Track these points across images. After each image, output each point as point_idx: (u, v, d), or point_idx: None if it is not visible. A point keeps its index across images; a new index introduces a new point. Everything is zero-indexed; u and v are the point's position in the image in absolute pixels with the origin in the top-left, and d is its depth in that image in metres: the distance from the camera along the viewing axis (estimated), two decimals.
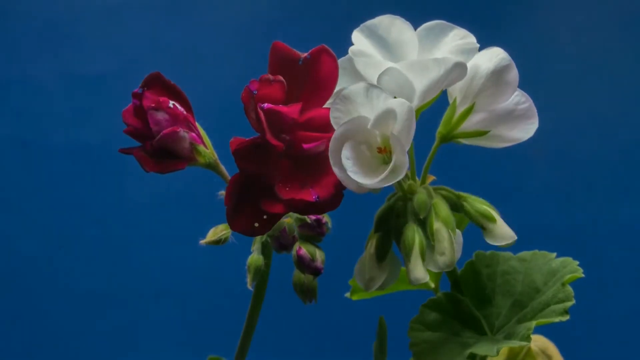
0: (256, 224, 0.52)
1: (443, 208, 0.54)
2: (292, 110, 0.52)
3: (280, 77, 0.53)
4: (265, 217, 0.52)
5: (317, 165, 0.52)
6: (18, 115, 1.39)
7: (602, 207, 1.32)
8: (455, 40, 0.53)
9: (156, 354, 1.34)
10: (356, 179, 0.49)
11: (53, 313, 1.35)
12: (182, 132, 0.55)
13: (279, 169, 0.52)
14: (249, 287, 0.59)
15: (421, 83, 0.51)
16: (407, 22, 0.54)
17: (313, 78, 0.54)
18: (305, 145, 0.52)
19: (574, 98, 1.35)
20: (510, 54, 0.55)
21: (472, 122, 0.55)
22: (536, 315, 0.57)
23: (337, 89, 0.54)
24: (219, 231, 0.58)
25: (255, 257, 0.59)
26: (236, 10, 1.42)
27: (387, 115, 0.50)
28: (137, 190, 1.34)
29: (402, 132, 0.49)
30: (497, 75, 0.54)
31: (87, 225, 1.37)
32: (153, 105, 0.56)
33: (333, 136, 0.50)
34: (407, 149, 0.49)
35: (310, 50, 0.54)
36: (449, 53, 0.53)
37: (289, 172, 0.52)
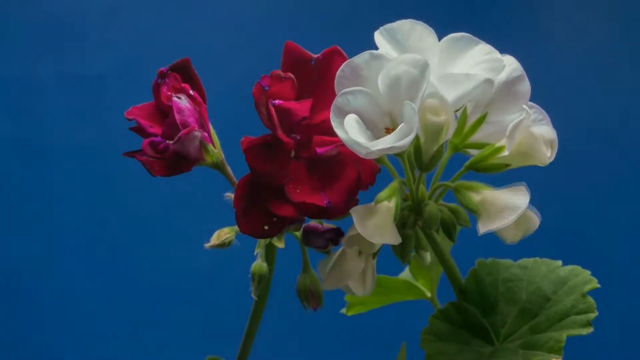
0: (266, 227, 0.51)
1: (475, 183, 0.53)
2: (302, 107, 0.52)
3: (291, 75, 0.53)
4: (274, 219, 0.51)
5: (329, 169, 0.52)
6: (18, 115, 1.39)
7: (601, 208, 1.32)
8: (480, 56, 0.53)
9: (157, 354, 1.34)
10: (362, 142, 0.48)
11: (53, 313, 1.35)
12: (196, 132, 0.55)
13: (289, 170, 0.52)
14: (253, 296, 0.59)
15: (450, 96, 0.50)
16: (430, 29, 0.53)
17: (325, 79, 0.54)
18: (319, 150, 0.51)
19: (574, 98, 1.35)
20: (510, 54, 0.55)
21: (484, 134, 0.54)
22: (553, 325, 0.56)
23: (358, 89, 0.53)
24: (224, 234, 0.57)
25: (258, 264, 0.58)
26: (237, 9, 1.42)
27: (395, 84, 0.50)
28: (138, 190, 1.34)
29: (414, 98, 0.49)
30: (509, 85, 0.53)
31: (87, 225, 1.36)
32: (175, 92, 0.55)
33: (334, 103, 0.50)
34: (416, 107, 0.48)
35: (322, 51, 0.54)
36: (476, 68, 0.52)
37: (300, 174, 0.52)
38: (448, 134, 0.51)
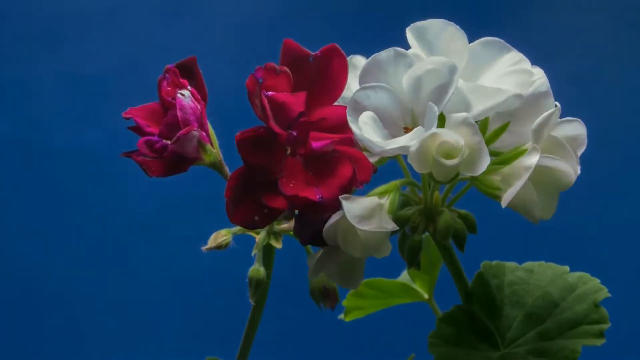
0: (256, 217, 0.51)
1: (492, 166, 0.52)
2: (297, 101, 0.52)
3: (286, 69, 0.53)
4: (265, 210, 0.51)
5: (324, 165, 0.52)
6: (18, 115, 1.39)
7: (601, 210, 1.32)
8: (509, 65, 0.52)
9: (157, 355, 1.34)
10: (375, 140, 0.48)
11: (53, 313, 1.35)
12: (194, 131, 0.55)
13: (284, 164, 0.52)
14: (251, 301, 0.58)
15: (477, 107, 0.50)
16: (461, 31, 0.52)
17: (323, 76, 0.54)
18: (314, 144, 0.51)
19: (573, 98, 1.34)
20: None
21: (504, 143, 0.53)
22: (564, 333, 0.56)
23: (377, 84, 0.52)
24: (220, 237, 0.57)
25: (256, 269, 0.58)
26: (236, 9, 1.42)
27: (421, 85, 0.49)
28: (138, 190, 1.34)
29: (439, 101, 0.48)
30: (534, 99, 0.52)
31: (87, 225, 1.36)
32: (174, 87, 0.55)
33: (352, 97, 0.49)
34: (438, 112, 0.47)
35: (321, 49, 0.54)
36: (505, 78, 0.52)
37: (295, 170, 0.52)
38: (476, 168, 0.48)
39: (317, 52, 0.54)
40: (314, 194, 0.50)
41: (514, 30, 1.36)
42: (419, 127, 0.48)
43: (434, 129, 0.47)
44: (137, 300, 1.35)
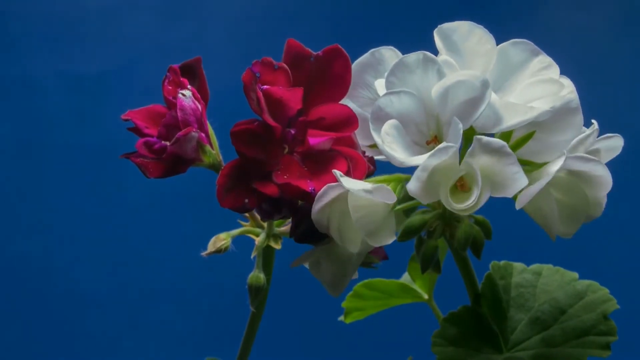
0: (246, 200, 0.51)
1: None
2: (293, 97, 0.52)
3: (284, 65, 0.53)
4: (256, 194, 0.51)
5: (320, 162, 0.52)
6: (18, 115, 1.39)
7: (610, 214, 1.31)
8: (538, 70, 0.52)
9: (157, 355, 1.34)
10: (397, 156, 0.48)
11: (52, 313, 1.35)
12: (193, 132, 0.55)
13: (280, 160, 0.52)
14: (251, 307, 0.58)
15: (508, 123, 0.49)
16: (489, 34, 0.52)
17: (324, 76, 0.54)
18: (312, 140, 0.52)
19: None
20: None
21: (528, 150, 0.52)
22: (570, 341, 0.56)
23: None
24: (220, 240, 0.57)
25: (255, 275, 0.58)
26: (237, 10, 1.42)
27: (451, 96, 0.49)
28: (137, 190, 1.34)
29: (468, 117, 0.48)
30: (563, 113, 0.51)
31: (86, 225, 1.36)
32: (175, 86, 0.55)
33: (375, 104, 0.49)
34: (465, 127, 0.47)
35: (323, 49, 0.54)
36: (533, 88, 0.51)
37: (291, 165, 0.52)
38: (509, 192, 0.47)
39: (319, 52, 0.54)
40: (307, 185, 0.51)
41: (514, 28, 1.36)
42: (442, 145, 0.47)
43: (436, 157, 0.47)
44: (136, 301, 1.35)
